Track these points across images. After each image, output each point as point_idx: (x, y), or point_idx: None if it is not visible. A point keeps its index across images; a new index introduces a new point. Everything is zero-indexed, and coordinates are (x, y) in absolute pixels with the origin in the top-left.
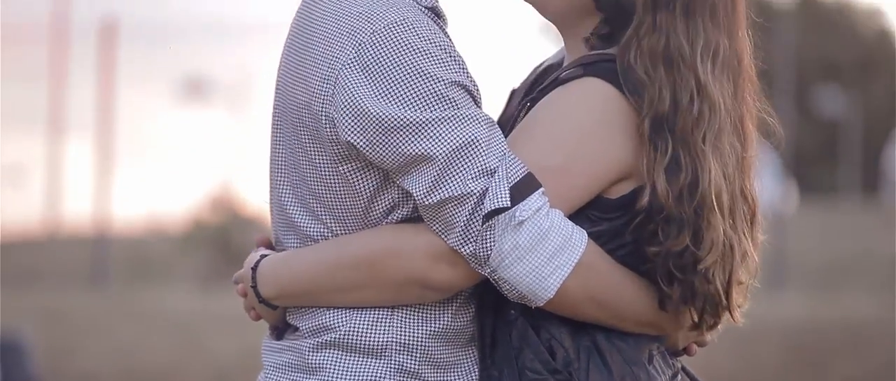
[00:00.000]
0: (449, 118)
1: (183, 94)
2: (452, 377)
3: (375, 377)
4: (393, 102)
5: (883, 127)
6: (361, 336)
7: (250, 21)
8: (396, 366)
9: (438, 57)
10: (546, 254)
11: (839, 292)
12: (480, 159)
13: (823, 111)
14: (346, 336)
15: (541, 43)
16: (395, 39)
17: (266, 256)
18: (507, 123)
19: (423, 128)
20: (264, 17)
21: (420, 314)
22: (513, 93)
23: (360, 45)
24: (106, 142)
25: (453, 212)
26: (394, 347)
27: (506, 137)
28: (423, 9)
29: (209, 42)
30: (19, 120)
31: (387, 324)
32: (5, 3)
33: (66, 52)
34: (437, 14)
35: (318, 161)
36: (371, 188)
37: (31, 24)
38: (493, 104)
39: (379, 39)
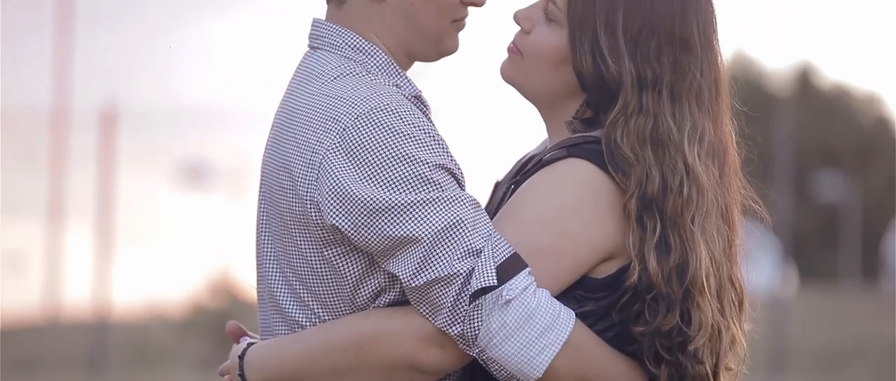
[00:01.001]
0: (434, 200)
1: (183, 179)
2: None
3: None
4: (377, 185)
5: (882, 213)
6: None
7: (250, 106)
8: None
9: (422, 140)
10: (534, 333)
11: (839, 378)
12: (466, 240)
13: (823, 196)
14: None
15: (529, 131)
16: (378, 124)
17: (252, 344)
18: (493, 214)
19: (408, 210)
20: (264, 102)
21: None
22: (497, 185)
23: (343, 129)
24: (106, 228)
25: (440, 293)
26: None
27: None
28: (407, 96)
29: (209, 127)
30: (19, 206)
31: None
32: (6, 90)
33: (67, 139)
34: (420, 101)
35: (303, 246)
36: (357, 273)
37: (32, 111)
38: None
39: (362, 124)
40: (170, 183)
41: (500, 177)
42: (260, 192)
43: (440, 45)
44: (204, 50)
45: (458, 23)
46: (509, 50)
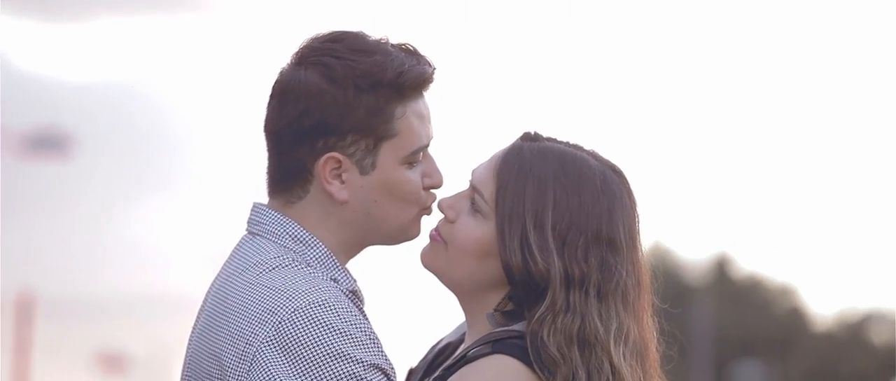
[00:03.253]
0: None
1: (100, 369)
2: None
3: None
4: None
5: None
6: None
7: (169, 294)
8: None
9: (358, 338)
10: None
11: None
12: None
13: None
14: None
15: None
16: (315, 319)
17: None
18: None
19: None
20: (183, 289)
21: None
22: (411, 372)
23: (280, 322)
24: None
25: None
26: None
27: None
28: (344, 291)
29: (127, 316)
30: None
31: None
32: None
33: None
34: (356, 296)
35: None
36: None
37: None
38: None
39: (299, 318)
40: (86, 374)
41: (415, 364)
42: (183, 377)
43: (405, 234)
44: (122, 238)
45: (426, 210)
46: (432, 237)
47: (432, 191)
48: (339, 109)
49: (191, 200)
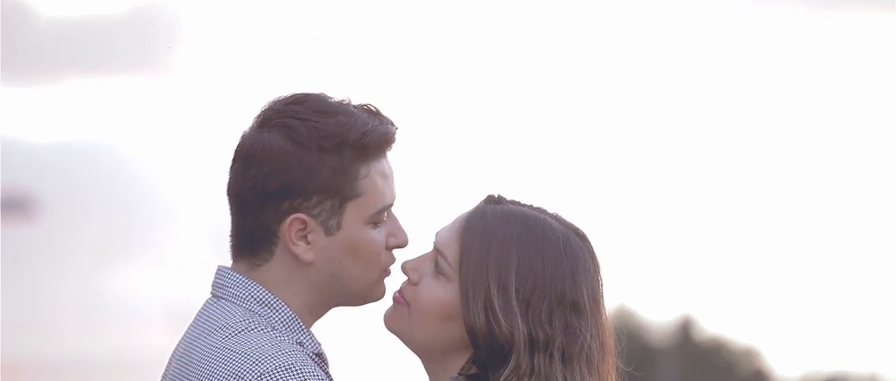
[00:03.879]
0: None
1: None
2: None
3: None
4: None
5: None
6: None
7: (133, 357)
8: None
9: None
10: None
11: None
12: None
13: None
14: None
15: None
16: None
17: None
18: None
19: None
20: (147, 353)
21: None
22: None
23: None
24: None
25: None
26: None
27: None
28: (310, 354)
29: (92, 380)
30: None
31: None
32: None
33: None
34: (321, 359)
35: None
36: None
37: None
38: None
39: None
40: None
41: None
42: None
43: (370, 294)
44: (88, 301)
45: (386, 271)
46: (395, 299)
47: (394, 252)
48: (304, 171)
49: (155, 262)
